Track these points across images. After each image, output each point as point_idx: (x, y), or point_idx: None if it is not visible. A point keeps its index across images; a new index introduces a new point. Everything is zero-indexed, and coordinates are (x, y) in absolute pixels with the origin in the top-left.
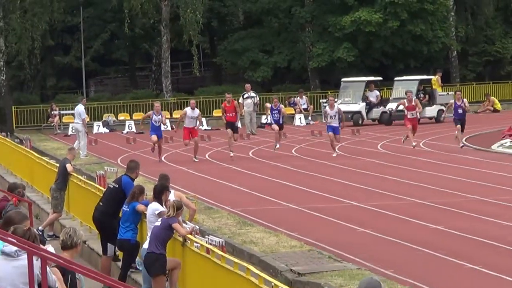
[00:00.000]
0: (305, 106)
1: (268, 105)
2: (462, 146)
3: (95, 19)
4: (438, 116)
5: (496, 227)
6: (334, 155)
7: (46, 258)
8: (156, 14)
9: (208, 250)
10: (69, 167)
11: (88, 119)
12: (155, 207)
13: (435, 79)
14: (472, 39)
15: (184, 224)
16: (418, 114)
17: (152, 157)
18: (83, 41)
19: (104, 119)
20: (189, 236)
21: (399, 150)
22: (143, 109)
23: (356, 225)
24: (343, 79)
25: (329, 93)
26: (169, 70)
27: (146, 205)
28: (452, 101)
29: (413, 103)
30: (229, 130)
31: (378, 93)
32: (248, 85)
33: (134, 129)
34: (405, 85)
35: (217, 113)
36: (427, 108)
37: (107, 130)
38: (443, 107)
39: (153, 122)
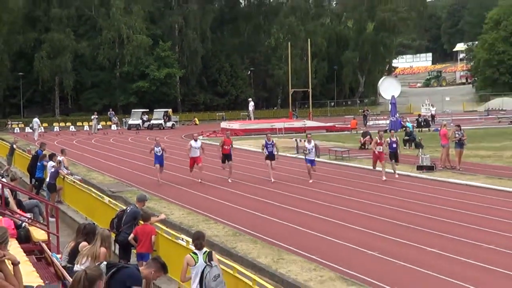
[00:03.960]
0: (116, 121)
1: (263, 141)
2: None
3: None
4: (173, 127)
5: (231, 194)
6: (310, 181)
7: (4, 184)
8: (53, 81)
9: (74, 182)
10: (15, 146)
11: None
12: (51, 163)
13: (170, 111)
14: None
15: (65, 171)
16: (382, 148)
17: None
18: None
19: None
20: (67, 176)
21: (172, 142)
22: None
23: (143, 173)
24: (133, 110)
25: (132, 110)
26: (58, 106)
27: (47, 162)
28: (388, 139)
29: (382, 141)
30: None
31: (147, 116)
32: (96, 112)
33: (43, 130)
34: (157, 113)
35: (85, 123)
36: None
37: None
38: (174, 122)
39: (156, 152)
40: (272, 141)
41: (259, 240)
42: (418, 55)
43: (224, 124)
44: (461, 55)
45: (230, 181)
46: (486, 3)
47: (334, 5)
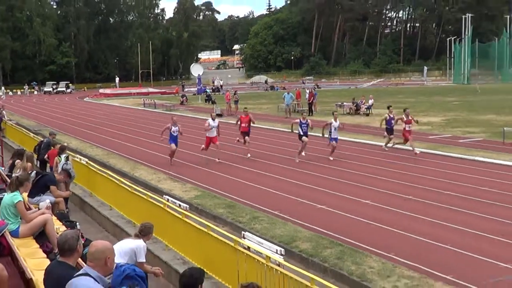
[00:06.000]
0: (37, 89)
1: (297, 120)
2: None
3: None
4: (71, 92)
5: (115, 134)
6: (331, 158)
7: None
8: None
9: (12, 125)
10: None
11: None
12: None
13: (69, 83)
14: None
15: (6, 118)
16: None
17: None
18: None
19: None
20: (8, 121)
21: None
22: None
23: (54, 119)
24: (47, 82)
25: (47, 83)
26: (1, 80)
27: None
28: (298, 120)
29: (410, 118)
30: (246, 138)
31: (55, 86)
32: (26, 84)
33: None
34: (61, 84)
35: (18, 90)
36: (68, 90)
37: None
38: (72, 89)
39: (172, 132)
40: (307, 120)
41: (123, 157)
42: (213, 51)
43: (101, 90)
44: (237, 52)
45: (249, 155)
46: (251, 22)
47: (165, 22)
